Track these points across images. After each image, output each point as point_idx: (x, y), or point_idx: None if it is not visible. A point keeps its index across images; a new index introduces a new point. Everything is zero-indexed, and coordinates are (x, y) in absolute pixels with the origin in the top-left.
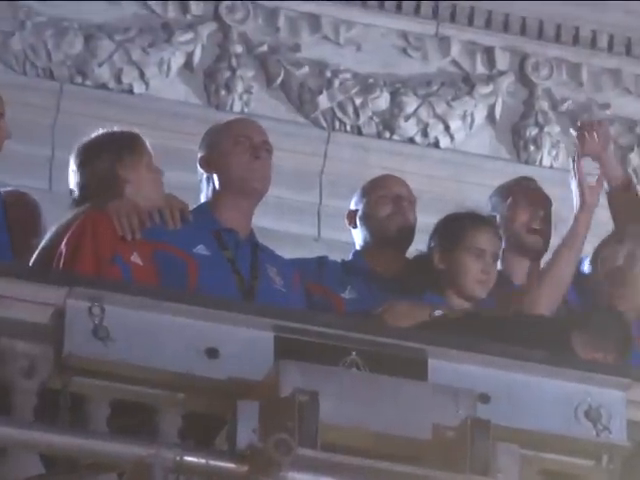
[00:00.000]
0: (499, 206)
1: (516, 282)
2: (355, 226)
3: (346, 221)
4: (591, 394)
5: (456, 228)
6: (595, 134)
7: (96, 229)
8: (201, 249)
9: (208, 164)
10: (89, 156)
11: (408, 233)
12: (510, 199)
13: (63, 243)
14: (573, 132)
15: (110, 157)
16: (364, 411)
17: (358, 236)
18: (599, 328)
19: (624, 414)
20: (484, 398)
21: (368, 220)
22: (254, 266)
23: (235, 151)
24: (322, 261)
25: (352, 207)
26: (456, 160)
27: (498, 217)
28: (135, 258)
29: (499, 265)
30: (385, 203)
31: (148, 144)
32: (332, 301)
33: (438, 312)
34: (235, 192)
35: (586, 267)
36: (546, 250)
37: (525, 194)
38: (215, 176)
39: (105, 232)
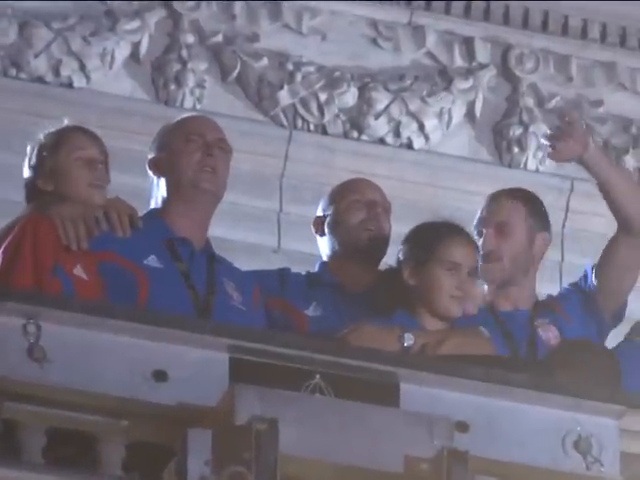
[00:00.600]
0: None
1: (503, 309)
2: (322, 234)
3: (312, 228)
4: (580, 423)
5: (428, 239)
6: (570, 139)
7: (37, 235)
8: (152, 260)
9: (157, 166)
10: (30, 156)
11: (381, 243)
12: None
13: (0, 250)
14: (545, 141)
15: (35, 162)
16: (329, 441)
17: (325, 245)
18: (584, 367)
19: (617, 445)
20: (462, 427)
21: (338, 227)
22: (210, 280)
23: (186, 150)
24: (284, 274)
25: (319, 213)
26: (431, 162)
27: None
28: (78, 271)
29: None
30: (357, 209)
31: (85, 137)
32: (294, 319)
33: (408, 335)
34: (186, 196)
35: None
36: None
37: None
38: (165, 179)
39: (47, 238)
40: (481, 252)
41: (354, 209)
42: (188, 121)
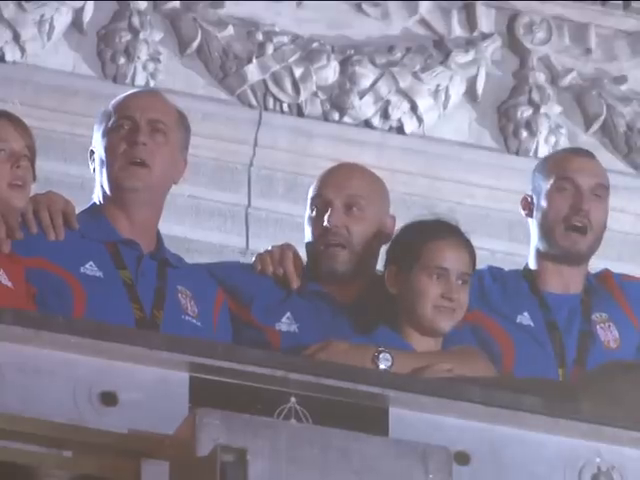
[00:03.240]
0: (539, 187)
1: (551, 290)
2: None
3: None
4: (600, 453)
5: (412, 241)
6: None
7: None
8: (91, 268)
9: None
10: None
11: (350, 258)
12: (552, 181)
13: None
14: None
15: None
16: (306, 475)
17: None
18: (615, 393)
19: None
20: (462, 458)
21: (310, 229)
22: (160, 291)
23: (114, 139)
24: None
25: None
26: (425, 149)
27: (535, 199)
28: (2, 278)
29: (532, 264)
30: (318, 216)
31: (9, 125)
32: (267, 334)
33: (384, 356)
34: (115, 196)
35: None
36: (591, 253)
37: (571, 176)
38: (105, 169)
39: None
40: (575, 223)
41: (315, 217)
42: (125, 99)
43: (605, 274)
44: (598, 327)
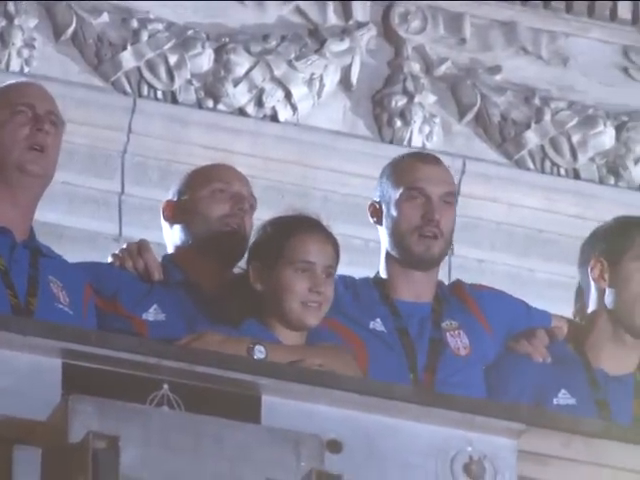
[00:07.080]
0: (388, 196)
1: (402, 297)
2: (173, 222)
3: (161, 213)
4: (472, 442)
5: (274, 237)
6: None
7: None
8: None
9: None
10: None
11: (240, 243)
12: (401, 190)
13: None
14: None
15: None
16: (178, 463)
17: (174, 235)
18: None
19: (514, 469)
20: (334, 446)
21: (193, 217)
22: (33, 279)
23: (11, 124)
24: (120, 269)
25: (172, 196)
26: (300, 137)
27: (384, 207)
28: None
29: (383, 272)
30: (221, 200)
31: None
32: (133, 324)
33: (259, 348)
34: (9, 179)
35: None
36: (442, 257)
37: (420, 185)
38: None
39: None
40: (427, 233)
41: (217, 200)
42: (14, 88)
43: (457, 285)
44: (448, 335)
